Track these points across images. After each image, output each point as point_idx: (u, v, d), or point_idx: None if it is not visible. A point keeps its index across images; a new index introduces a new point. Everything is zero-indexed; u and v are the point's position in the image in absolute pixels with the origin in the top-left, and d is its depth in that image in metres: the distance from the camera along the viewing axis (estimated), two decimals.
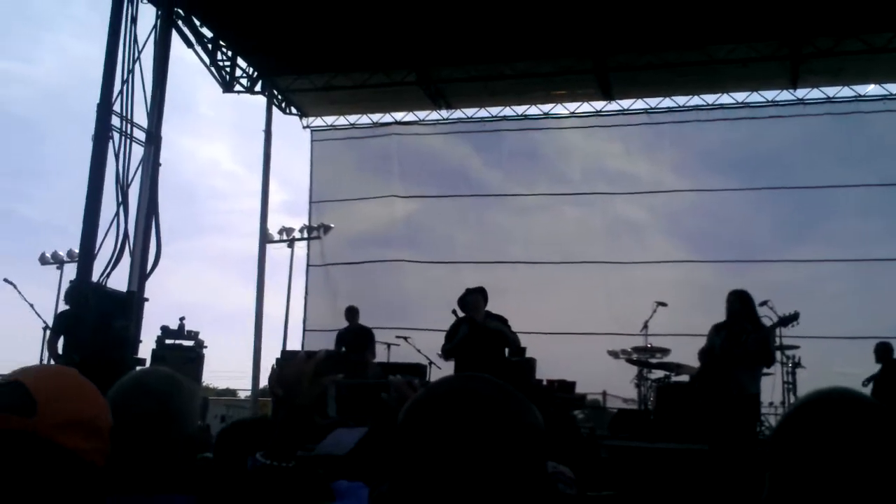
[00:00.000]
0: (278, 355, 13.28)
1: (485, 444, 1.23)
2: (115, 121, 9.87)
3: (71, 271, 21.04)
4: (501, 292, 10.82)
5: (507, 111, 14.75)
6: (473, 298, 8.98)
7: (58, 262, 27.37)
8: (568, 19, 11.55)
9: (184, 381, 1.90)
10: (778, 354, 9.55)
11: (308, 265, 15.72)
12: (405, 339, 11.68)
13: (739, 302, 8.21)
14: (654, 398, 10.48)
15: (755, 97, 13.66)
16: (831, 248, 12.77)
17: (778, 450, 1.38)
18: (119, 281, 9.67)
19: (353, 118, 15.46)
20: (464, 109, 14.94)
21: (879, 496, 1.26)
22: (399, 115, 15.27)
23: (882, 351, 10.74)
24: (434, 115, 15.11)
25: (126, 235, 9.65)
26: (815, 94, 13.44)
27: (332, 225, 16.40)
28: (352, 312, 11.92)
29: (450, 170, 15.31)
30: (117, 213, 9.63)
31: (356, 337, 11.66)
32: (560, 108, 14.66)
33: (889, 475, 1.27)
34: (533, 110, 14.68)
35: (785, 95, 13.54)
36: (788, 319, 8.16)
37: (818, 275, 12.91)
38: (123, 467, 1.72)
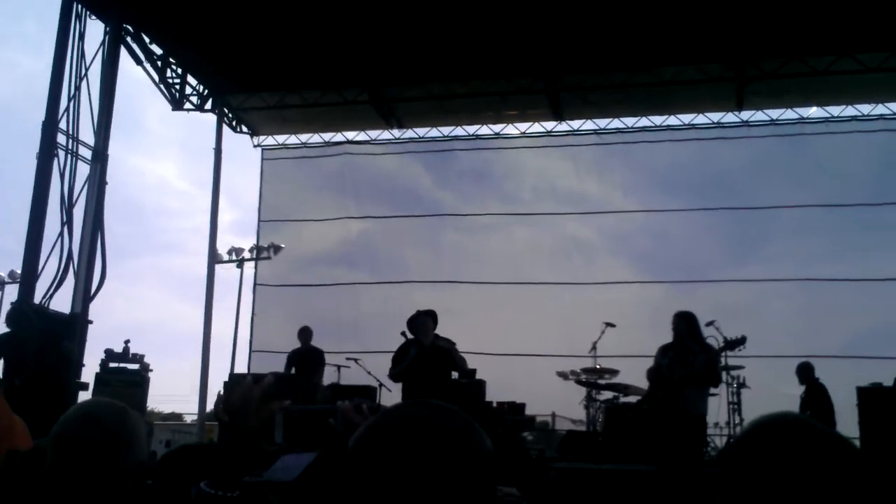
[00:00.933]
0: (226, 378, 13.11)
1: (436, 470, 1.24)
2: (61, 139, 9.73)
3: (12, 293, 20.61)
4: (452, 313, 10.82)
5: (459, 131, 14.80)
6: (422, 321, 8.98)
7: None
8: (519, 39, 11.66)
9: (130, 409, 1.86)
10: (723, 375, 9.64)
11: (255, 285, 15.56)
12: (355, 360, 11.60)
13: (685, 323, 8.28)
14: (603, 419, 10.52)
15: (702, 119, 13.90)
16: (776, 268, 12.94)
17: (728, 474, 1.38)
18: (62, 302, 9.50)
19: (304, 137, 15.40)
20: (416, 129, 14.96)
21: None
22: (351, 135, 15.23)
23: (804, 371, 10.84)
24: (386, 135, 15.11)
25: (70, 255, 9.51)
26: (760, 116, 13.72)
27: (283, 245, 16.29)
28: (305, 333, 11.82)
29: (402, 189, 15.32)
30: (61, 233, 9.49)
31: (306, 359, 11.57)
32: (511, 129, 14.76)
33: (838, 500, 1.29)
34: (484, 130, 14.75)
35: (731, 118, 13.81)
36: (735, 343, 8.25)
37: (764, 294, 13.11)
38: (73, 499, 1.67)
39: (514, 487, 3.80)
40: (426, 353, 8.81)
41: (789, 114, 13.62)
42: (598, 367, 11.08)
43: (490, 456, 1.31)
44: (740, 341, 8.23)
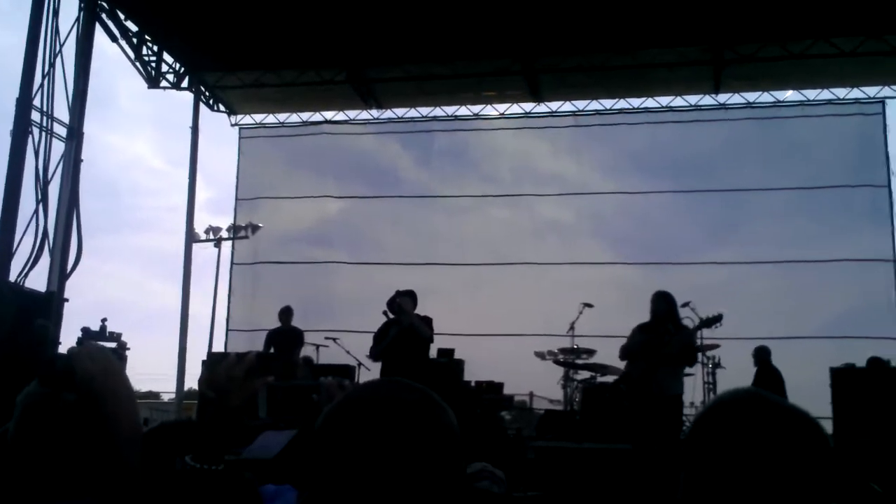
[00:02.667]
0: (204, 357, 13.07)
1: (397, 445, 1.27)
2: (36, 116, 9.62)
3: None
4: (431, 293, 10.83)
5: (438, 111, 14.75)
6: (401, 301, 9.01)
7: None
8: (498, 20, 11.62)
9: (115, 361, 1.80)
10: (699, 355, 9.73)
11: (232, 264, 15.51)
12: (334, 340, 11.61)
13: (665, 303, 8.37)
14: (580, 399, 10.58)
15: (679, 101, 13.95)
16: (753, 250, 13.05)
17: (690, 450, 1.41)
18: (38, 281, 9.42)
19: (282, 116, 15.31)
20: (394, 109, 14.90)
21: (788, 496, 1.31)
22: (329, 115, 15.15)
23: (758, 353, 11.12)
24: (364, 115, 15.04)
25: (45, 234, 9.42)
26: (737, 99, 13.77)
27: (260, 224, 16.22)
28: (286, 314, 11.80)
29: (380, 170, 15.28)
30: (36, 211, 9.40)
31: (286, 338, 11.56)
32: (490, 110, 14.76)
33: (796, 476, 1.31)
34: (463, 111, 14.73)
35: (708, 100, 13.87)
36: (711, 321, 8.34)
37: (740, 276, 13.21)
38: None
39: (486, 462, 3.83)
40: (405, 334, 8.85)
41: (766, 97, 13.70)
42: (575, 346, 11.11)
43: (454, 432, 1.34)
44: (716, 319, 8.31)
